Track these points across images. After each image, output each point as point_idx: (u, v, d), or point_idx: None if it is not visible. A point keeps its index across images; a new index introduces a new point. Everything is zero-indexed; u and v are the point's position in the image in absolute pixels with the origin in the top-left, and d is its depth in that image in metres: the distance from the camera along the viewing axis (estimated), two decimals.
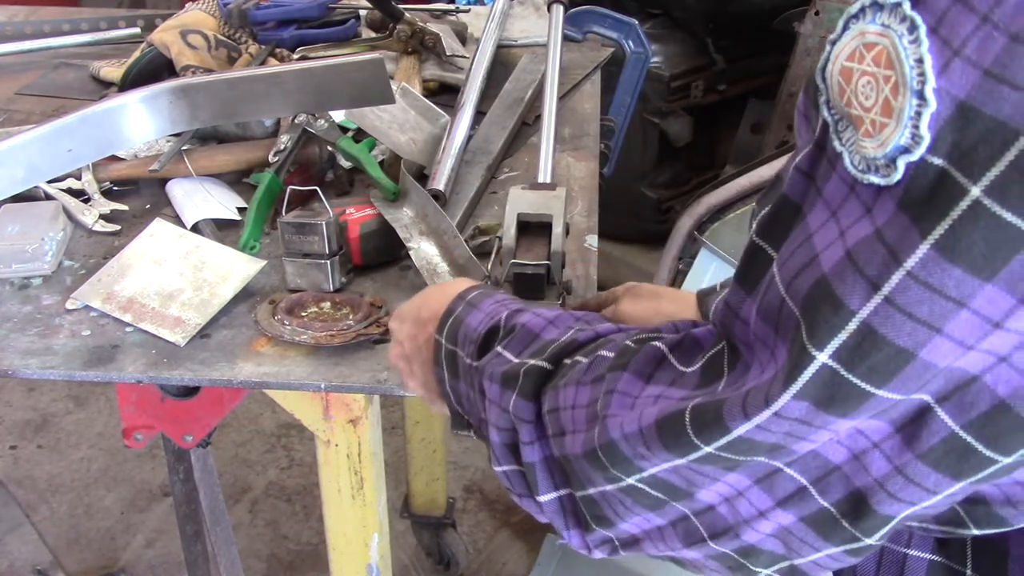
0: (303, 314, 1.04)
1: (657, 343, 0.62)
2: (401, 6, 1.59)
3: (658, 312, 0.99)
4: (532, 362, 0.67)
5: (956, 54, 0.41)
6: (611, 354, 0.63)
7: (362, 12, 1.68)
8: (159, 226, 1.16)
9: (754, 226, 0.56)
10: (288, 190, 1.13)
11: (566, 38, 1.58)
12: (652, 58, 2.09)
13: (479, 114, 1.42)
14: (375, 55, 1.15)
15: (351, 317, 1.02)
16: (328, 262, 1.07)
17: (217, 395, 1.05)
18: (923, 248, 0.43)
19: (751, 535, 0.57)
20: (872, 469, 0.51)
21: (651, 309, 1.00)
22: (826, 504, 0.54)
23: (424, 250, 1.11)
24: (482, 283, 0.83)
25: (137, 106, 1.15)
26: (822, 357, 0.47)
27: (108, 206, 1.24)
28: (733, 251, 1.85)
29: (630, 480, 0.58)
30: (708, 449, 0.53)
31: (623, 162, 2.07)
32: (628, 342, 0.64)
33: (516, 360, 0.68)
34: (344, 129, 1.30)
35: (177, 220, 1.21)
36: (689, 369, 0.59)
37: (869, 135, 0.45)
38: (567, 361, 0.66)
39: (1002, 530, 0.59)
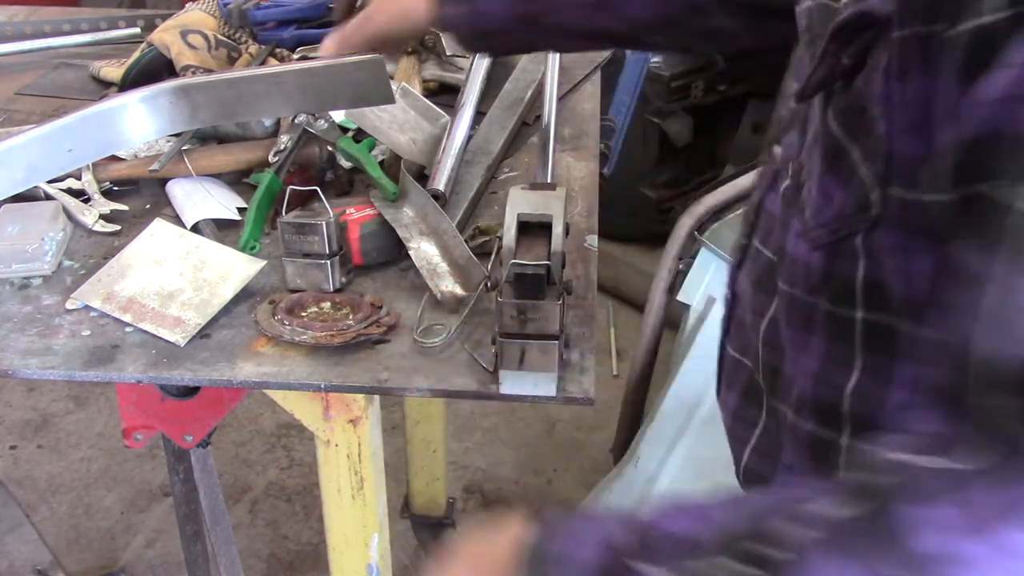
0: (303, 314, 1.04)
1: (897, 456, 0.49)
2: None
3: None
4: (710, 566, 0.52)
5: None
6: (841, 510, 0.49)
7: None
8: (159, 226, 1.16)
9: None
10: (288, 190, 1.13)
11: None
12: (652, 58, 2.09)
13: (479, 114, 1.42)
14: (375, 55, 1.15)
15: (351, 317, 1.02)
16: (328, 262, 1.07)
17: (217, 395, 1.05)
18: None
19: None
20: None
21: None
22: None
23: (424, 250, 1.11)
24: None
25: (137, 106, 1.15)
26: None
27: (108, 206, 1.24)
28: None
29: None
30: None
31: (623, 162, 2.07)
32: (846, 484, 0.51)
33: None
34: (344, 129, 1.30)
35: (177, 220, 1.21)
36: (981, 457, 0.48)
37: None
38: (770, 551, 0.50)
39: None
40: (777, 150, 0.79)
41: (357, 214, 1.14)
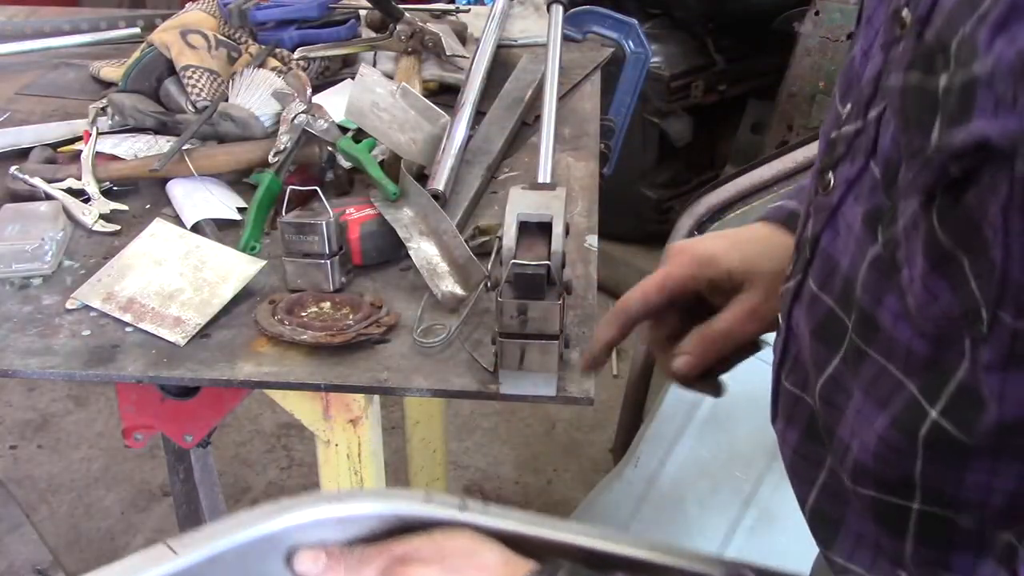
0: (303, 314, 1.04)
1: None
2: (401, 6, 1.58)
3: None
4: None
5: None
6: None
7: (362, 12, 1.68)
8: (159, 226, 1.16)
9: None
10: (288, 190, 1.13)
11: (566, 38, 1.58)
12: (652, 58, 2.09)
13: (479, 114, 1.42)
14: None
15: (351, 317, 1.02)
16: (328, 262, 1.07)
17: (217, 395, 1.05)
18: None
19: None
20: None
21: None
22: None
23: (424, 250, 1.11)
24: None
25: None
26: None
27: (108, 206, 1.24)
28: None
29: None
30: None
31: (623, 162, 2.07)
32: None
33: None
34: (344, 129, 1.30)
35: (177, 220, 1.21)
36: None
37: None
38: None
39: None
40: (829, 178, 0.69)
41: (357, 214, 1.14)
